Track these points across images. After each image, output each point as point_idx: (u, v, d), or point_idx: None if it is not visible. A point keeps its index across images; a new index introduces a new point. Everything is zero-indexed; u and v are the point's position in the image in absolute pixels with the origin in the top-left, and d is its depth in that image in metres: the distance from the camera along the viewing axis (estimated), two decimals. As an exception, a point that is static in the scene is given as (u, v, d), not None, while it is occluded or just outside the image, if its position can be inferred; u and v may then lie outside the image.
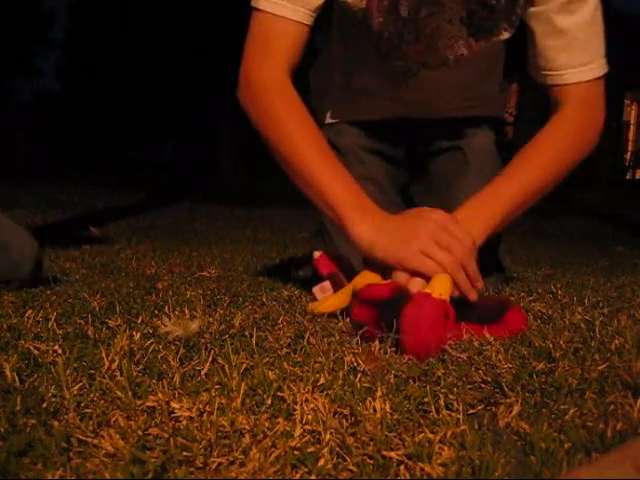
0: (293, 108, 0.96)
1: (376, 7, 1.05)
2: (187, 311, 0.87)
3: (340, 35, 1.23)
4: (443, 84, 1.18)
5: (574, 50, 0.99)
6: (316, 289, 0.93)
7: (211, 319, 0.83)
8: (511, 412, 0.54)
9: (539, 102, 7.80)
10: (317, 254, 0.95)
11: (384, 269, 0.85)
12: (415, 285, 0.80)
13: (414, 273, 0.82)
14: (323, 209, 0.92)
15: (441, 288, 0.76)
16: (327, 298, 0.90)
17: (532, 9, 0.99)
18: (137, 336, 0.72)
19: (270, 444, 0.46)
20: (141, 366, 0.63)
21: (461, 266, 0.81)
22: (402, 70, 1.13)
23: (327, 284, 0.92)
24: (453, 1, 1.03)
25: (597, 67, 1.00)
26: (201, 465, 0.44)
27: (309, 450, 0.45)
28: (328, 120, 1.31)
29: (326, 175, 0.91)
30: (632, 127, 11.68)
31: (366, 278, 0.85)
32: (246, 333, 0.77)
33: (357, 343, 0.75)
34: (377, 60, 1.13)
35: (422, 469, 0.44)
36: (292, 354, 0.70)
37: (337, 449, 0.46)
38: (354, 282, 0.86)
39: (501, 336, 0.78)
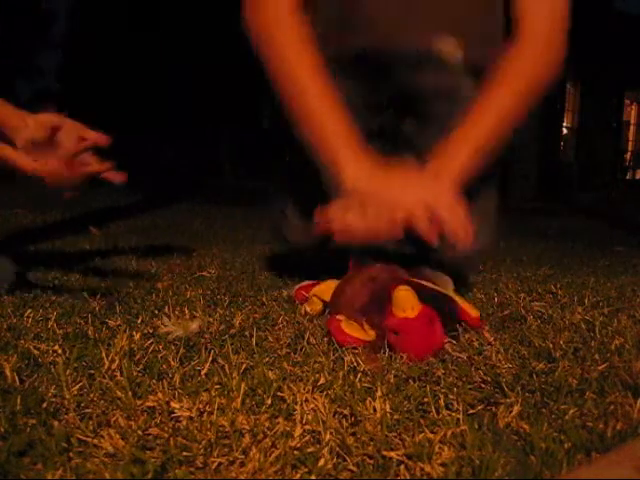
0: (297, 40, 0.96)
1: None
2: (187, 311, 0.87)
3: None
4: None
5: None
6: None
7: (211, 319, 0.83)
8: (511, 412, 0.54)
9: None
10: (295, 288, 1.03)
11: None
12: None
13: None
14: (315, 144, 0.92)
15: (410, 303, 0.75)
16: (312, 302, 0.93)
17: None
18: (137, 336, 0.72)
19: (270, 444, 0.46)
20: (141, 366, 0.63)
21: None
22: None
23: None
24: None
25: None
26: (201, 465, 0.44)
27: (309, 450, 0.46)
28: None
29: (324, 110, 0.92)
30: (632, 127, 11.67)
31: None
32: (246, 333, 0.77)
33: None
34: None
35: (422, 469, 0.44)
36: (292, 354, 0.70)
37: (337, 449, 0.46)
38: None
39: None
